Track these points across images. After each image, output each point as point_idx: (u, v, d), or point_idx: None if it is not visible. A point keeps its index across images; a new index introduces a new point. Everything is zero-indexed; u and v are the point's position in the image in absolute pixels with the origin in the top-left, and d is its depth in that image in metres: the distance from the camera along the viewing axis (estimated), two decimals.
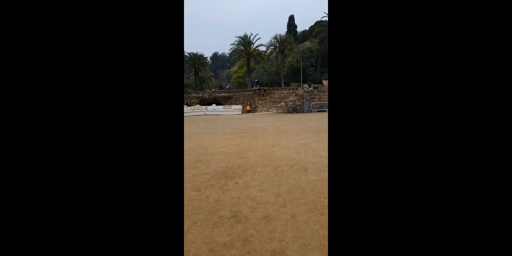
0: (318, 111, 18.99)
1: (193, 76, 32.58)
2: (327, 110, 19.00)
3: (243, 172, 3.55)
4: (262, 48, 28.83)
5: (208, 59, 62.39)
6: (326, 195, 2.57)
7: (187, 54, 30.86)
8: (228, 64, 52.51)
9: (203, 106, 23.11)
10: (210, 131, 8.83)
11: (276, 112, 20.01)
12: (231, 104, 24.84)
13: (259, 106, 23.89)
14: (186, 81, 34.17)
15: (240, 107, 22.59)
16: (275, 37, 26.27)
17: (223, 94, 26.46)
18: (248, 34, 28.16)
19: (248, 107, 23.57)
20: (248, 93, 25.12)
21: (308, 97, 19.49)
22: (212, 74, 40.53)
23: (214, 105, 23.80)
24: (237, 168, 3.79)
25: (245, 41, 28.01)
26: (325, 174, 3.28)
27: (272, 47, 27.05)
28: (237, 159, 4.34)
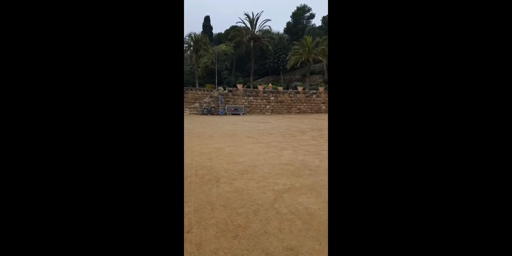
0: (232, 114, 19.10)
1: None
2: (241, 113, 19.42)
3: None
4: None
5: None
6: (241, 210, 2.22)
7: None
8: None
9: None
10: None
11: (190, 113, 18.98)
12: None
13: None
14: None
15: None
16: (190, 36, 25.12)
17: None
18: None
19: None
20: None
21: (223, 100, 19.35)
22: None
23: None
24: None
25: None
26: (239, 183, 2.96)
27: (186, 45, 25.74)
28: None
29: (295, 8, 35.81)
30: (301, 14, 35.72)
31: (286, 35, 34.47)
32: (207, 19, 36.76)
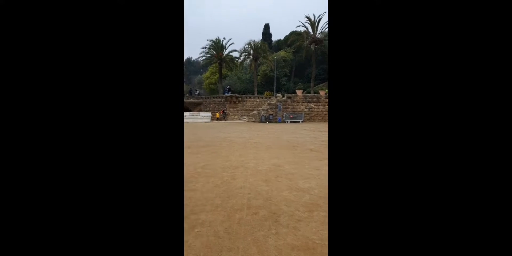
0: (291, 122, 18.16)
1: None
2: (300, 121, 18.31)
3: None
4: (236, 54, 27.68)
5: None
6: None
7: None
8: (201, 70, 50.76)
9: None
10: None
11: (248, 121, 18.80)
12: (200, 110, 23.19)
13: (231, 113, 22.55)
14: None
15: (209, 114, 21.00)
16: (249, 44, 25.38)
17: (191, 99, 24.71)
18: (221, 39, 26.93)
19: (217, 115, 21.96)
20: (219, 99, 23.71)
21: (281, 107, 18.62)
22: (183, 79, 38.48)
23: None
24: None
25: (217, 45, 26.51)
26: (307, 229, 2.04)
27: (246, 53, 26.09)
28: None
29: None
30: None
31: None
32: (266, 26, 37.16)
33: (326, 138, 8.29)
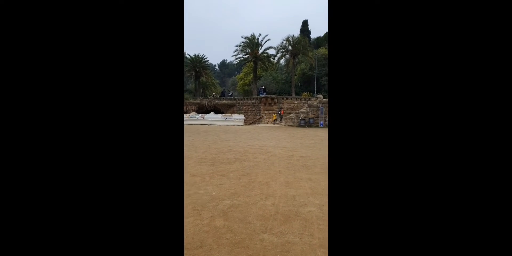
0: None
1: (194, 81, 29.51)
2: None
3: None
4: (272, 52, 25.70)
5: (216, 67, 60.15)
6: None
7: (188, 56, 27.85)
8: (236, 72, 50.14)
9: (200, 114, 19.98)
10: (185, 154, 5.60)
11: (285, 125, 16.73)
12: (232, 112, 21.71)
13: (265, 116, 20.66)
14: (186, 87, 31.26)
15: (242, 117, 19.37)
16: (287, 39, 23.20)
17: (224, 101, 23.35)
18: (257, 35, 25.15)
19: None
20: (253, 101, 21.98)
21: (323, 109, 16.25)
22: (217, 80, 37.71)
23: (212, 113, 20.62)
24: None
25: (252, 43, 24.68)
26: None
27: (283, 50, 23.97)
28: None
29: None
30: None
31: None
32: (304, 23, 34.75)
33: None
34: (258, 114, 21.08)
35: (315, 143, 7.74)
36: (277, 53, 24.58)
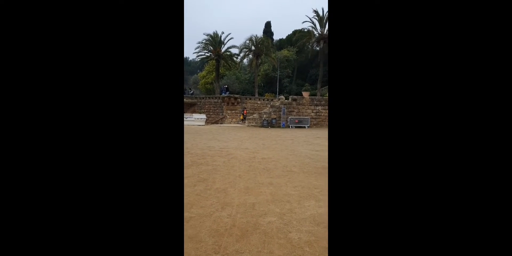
0: (296, 127, 15.99)
1: None
2: (306, 126, 16.15)
3: None
4: (235, 51, 25.32)
5: None
6: None
7: None
8: (198, 70, 48.50)
9: None
10: None
11: (248, 125, 16.55)
12: (193, 112, 20.86)
13: (228, 116, 20.26)
14: None
15: (204, 116, 18.66)
16: (251, 39, 23.07)
17: (185, 99, 22.36)
18: (219, 33, 24.54)
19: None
20: (216, 100, 21.41)
21: (285, 110, 16.45)
22: None
23: None
24: None
25: (215, 40, 23.90)
26: None
27: (246, 49, 23.78)
28: None
29: None
30: None
31: None
32: (267, 24, 35.03)
33: None
34: (221, 113, 20.60)
35: (277, 144, 7.66)
36: (240, 52, 24.35)
